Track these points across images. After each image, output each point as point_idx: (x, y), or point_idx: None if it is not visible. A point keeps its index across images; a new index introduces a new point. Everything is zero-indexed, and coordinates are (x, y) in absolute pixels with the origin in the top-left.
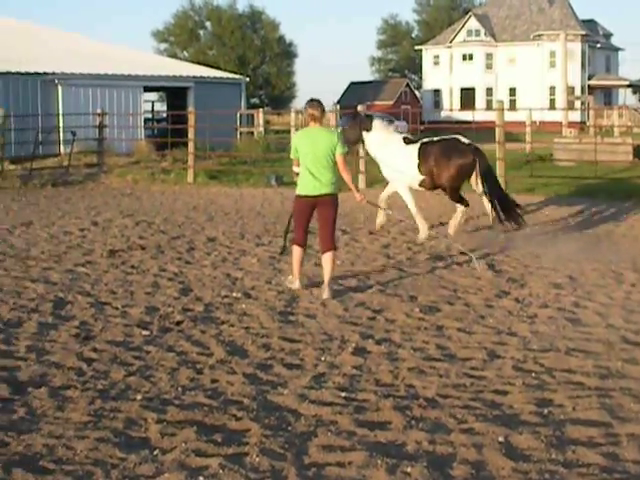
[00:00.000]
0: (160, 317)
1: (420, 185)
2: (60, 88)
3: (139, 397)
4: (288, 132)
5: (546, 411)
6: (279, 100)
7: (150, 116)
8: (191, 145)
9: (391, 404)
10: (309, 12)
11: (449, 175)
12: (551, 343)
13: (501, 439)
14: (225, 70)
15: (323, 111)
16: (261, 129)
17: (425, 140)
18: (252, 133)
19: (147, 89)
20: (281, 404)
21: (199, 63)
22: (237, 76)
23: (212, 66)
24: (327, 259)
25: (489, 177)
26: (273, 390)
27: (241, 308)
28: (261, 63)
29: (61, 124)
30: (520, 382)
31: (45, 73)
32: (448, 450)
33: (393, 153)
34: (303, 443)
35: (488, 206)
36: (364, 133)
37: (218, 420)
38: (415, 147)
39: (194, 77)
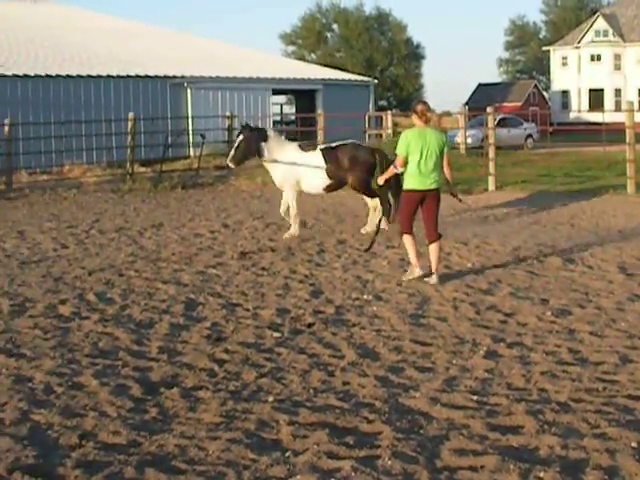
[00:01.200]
0: (291, 319)
1: (325, 189)
2: (189, 91)
3: (271, 399)
4: None
5: None
6: (407, 102)
7: (279, 119)
8: None
9: (523, 408)
10: (436, 14)
11: (361, 174)
12: None
13: (634, 444)
14: (353, 72)
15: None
16: (389, 131)
17: (322, 146)
18: (380, 135)
19: (276, 92)
20: (413, 407)
21: (327, 66)
22: (365, 78)
23: (340, 68)
24: (434, 248)
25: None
26: (405, 393)
27: (372, 310)
28: (389, 65)
29: (190, 127)
30: None
31: (174, 76)
32: (581, 455)
33: (294, 161)
34: (435, 446)
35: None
36: (262, 144)
37: (350, 422)
38: (317, 153)
39: (322, 80)
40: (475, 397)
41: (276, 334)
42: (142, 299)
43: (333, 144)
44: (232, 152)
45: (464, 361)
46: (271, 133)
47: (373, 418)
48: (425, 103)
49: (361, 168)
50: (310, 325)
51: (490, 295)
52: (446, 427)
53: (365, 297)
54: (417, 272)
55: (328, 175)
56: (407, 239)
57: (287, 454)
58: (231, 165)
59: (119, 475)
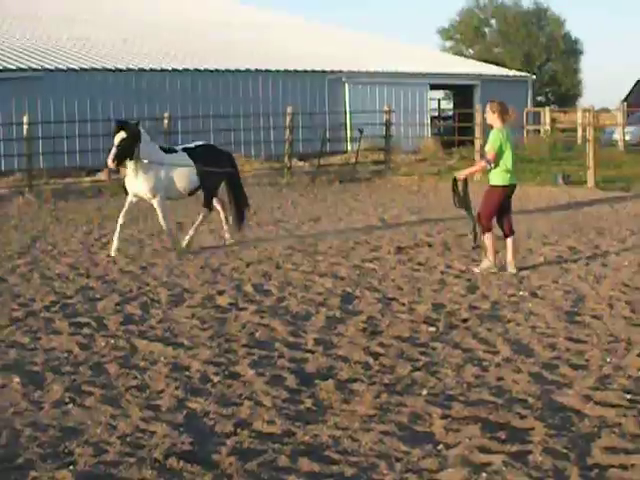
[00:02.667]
0: (447, 314)
1: (190, 193)
2: (347, 86)
3: (424, 392)
4: (574, 130)
5: None
6: (565, 98)
7: (436, 114)
8: (478, 143)
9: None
10: (594, 8)
11: (217, 179)
12: None
13: None
14: (511, 68)
15: None
16: (547, 127)
17: (182, 147)
18: (538, 131)
19: (433, 87)
20: (566, 404)
21: (485, 61)
22: (523, 74)
23: (498, 64)
24: (511, 242)
25: (239, 183)
26: (558, 390)
27: (527, 307)
28: (547, 60)
29: (348, 121)
30: None
31: (332, 71)
32: None
33: (167, 162)
34: (586, 444)
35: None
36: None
37: (502, 418)
38: (183, 154)
39: (480, 75)
40: (629, 396)
41: (431, 329)
42: (299, 291)
43: (190, 145)
44: (114, 150)
45: (618, 360)
46: (144, 133)
47: (526, 414)
48: (502, 103)
49: (218, 174)
50: (465, 320)
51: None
52: (598, 425)
53: (521, 293)
54: (493, 267)
55: (198, 177)
56: (490, 237)
57: (439, 447)
58: (112, 166)
59: (273, 463)
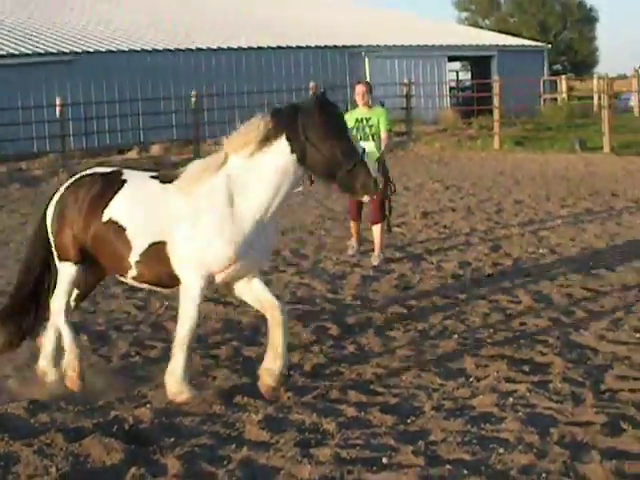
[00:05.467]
0: (472, 270)
1: None
2: (367, 60)
3: (455, 336)
4: (591, 98)
5: None
6: (581, 66)
7: (454, 85)
8: (496, 112)
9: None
10: None
11: None
12: None
13: None
14: (526, 38)
15: None
16: (564, 95)
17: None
18: (555, 100)
19: (451, 59)
20: (581, 342)
21: (500, 31)
22: (539, 44)
23: (514, 34)
24: (376, 231)
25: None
26: (575, 332)
27: (547, 262)
28: (562, 29)
29: None
30: None
31: (352, 46)
32: None
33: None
34: (600, 374)
35: None
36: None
37: (526, 355)
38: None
39: (497, 46)
40: (638, 335)
41: (458, 283)
42: (333, 254)
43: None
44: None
45: (630, 305)
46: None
47: (546, 351)
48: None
49: None
50: (489, 275)
51: None
52: (610, 359)
53: (540, 251)
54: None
55: None
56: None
57: (471, 380)
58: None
59: (326, 396)
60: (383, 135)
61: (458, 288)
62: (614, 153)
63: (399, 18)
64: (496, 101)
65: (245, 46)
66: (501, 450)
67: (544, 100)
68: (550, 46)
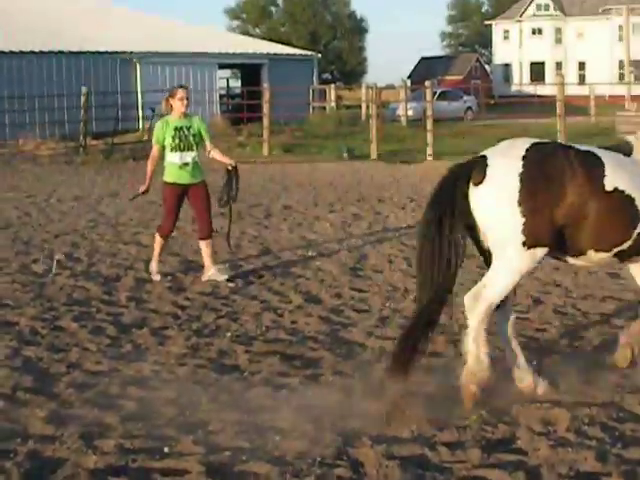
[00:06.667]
0: (244, 272)
1: None
2: (138, 66)
3: (229, 334)
4: (359, 107)
5: (577, 344)
6: (350, 75)
7: (225, 92)
8: (266, 120)
9: (444, 338)
10: None
11: None
12: (589, 292)
13: (535, 363)
14: (297, 47)
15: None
16: (333, 104)
17: None
18: (324, 108)
19: (222, 66)
20: (350, 339)
21: (271, 40)
22: (309, 52)
23: (284, 43)
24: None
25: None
26: (344, 329)
27: (316, 265)
28: (332, 39)
29: (140, 101)
30: (558, 322)
31: (124, 52)
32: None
33: None
34: (369, 367)
35: None
36: None
37: (297, 351)
38: None
39: (267, 54)
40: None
41: (231, 284)
42: (107, 257)
43: None
44: None
45: (396, 304)
46: None
47: (317, 347)
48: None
49: None
50: (261, 277)
51: None
52: (378, 353)
53: (309, 253)
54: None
55: None
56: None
57: (245, 374)
58: None
59: (106, 392)
60: (209, 145)
61: (231, 289)
62: (381, 161)
63: (172, 25)
64: (265, 109)
65: (17, 50)
66: (277, 438)
67: (313, 108)
68: (320, 55)
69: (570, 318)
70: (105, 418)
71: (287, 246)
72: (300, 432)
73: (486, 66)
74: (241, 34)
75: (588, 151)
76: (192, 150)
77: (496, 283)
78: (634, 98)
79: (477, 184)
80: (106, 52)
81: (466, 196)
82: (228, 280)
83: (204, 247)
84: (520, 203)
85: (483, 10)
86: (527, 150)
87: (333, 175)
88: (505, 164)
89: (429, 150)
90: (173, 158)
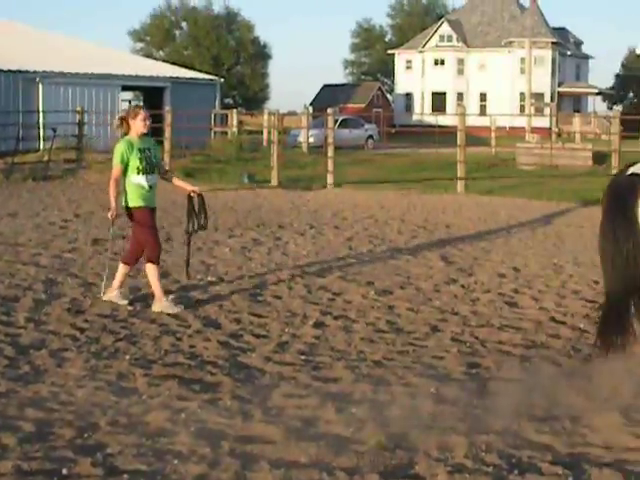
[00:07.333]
0: (142, 296)
1: None
2: (41, 86)
3: (127, 357)
4: (261, 133)
5: (474, 371)
6: (252, 101)
7: None
8: (167, 143)
9: (343, 364)
10: (284, 14)
11: None
12: (487, 321)
13: (433, 390)
14: (200, 70)
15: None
16: (234, 129)
17: None
18: (226, 133)
19: (125, 88)
20: (249, 364)
21: (174, 63)
22: (212, 77)
23: (187, 66)
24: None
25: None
26: (243, 354)
27: (215, 289)
28: (236, 64)
29: (41, 121)
30: (455, 350)
31: (27, 71)
32: (387, 398)
33: None
34: (268, 392)
35: None
36: None
37: (196, 375)
38: None
39: (170, 77)
40: (303, 357)
41: (130, 307)
42: (5, 278)
43: None
44: None
45: (295, 330)
46: None
47: (216, 372)
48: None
49: None
50: (197, 301)
51: (321, 278)
52: (277, 378)
53: (209, 278)
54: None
55: None
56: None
57: (143, 397)
58: None
59: (4, 413)
60: (166, 169)
61: (129, 312)
62: (282, 187)
63: (75, 45)
64: (167, 132)
65: None
66: (175, 461)
67: (215, 133)
68: (223, 80)
69: (468, 346)
70: (2, 439)
71: (184, 270)
72: (198, 456)
73: (388, 95)
74: (145, 56)
75: None
76: (154, 173)
77: None
78: (534, 130)
79: None
80: (9, 70)
81: None
82: (129, 303)
83: (152, 271)
84: None
85: (386, 39)
86: None
87: (234, 200)
88: None
89: (329, 177)
90: (140, 180)
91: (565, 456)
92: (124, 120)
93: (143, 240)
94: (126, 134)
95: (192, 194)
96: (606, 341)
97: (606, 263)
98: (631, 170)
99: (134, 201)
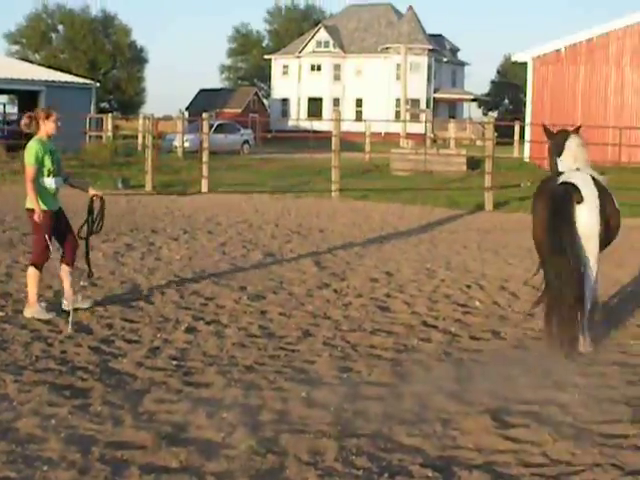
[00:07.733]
0: (13, 302)
1: None
2: None
3: None
4: (136, 137)
5: (345, 375)
6: (128, 105)
7: (0, 118)
8: None
9: (214, 369)
10: (161, 18)
11: None
12: (359, 325)
13: (304, 394)
14: (76, 74)
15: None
16: (109, 133)
17: None
18: (101, 137)
19: None
20: (120, 369)
21: (50, 66)
22: (88, 81)
23: (63, 70)
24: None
25: None
26: (114, 359)
27: (87, 295)
28: (112, 68)
29: None
30: (327, 354)
31: None
32: (259, 402)
33: None
34: (139, 397)
35: None
36: None
37: (67, 381)
38: None
39: (45, 81)
40: (175, 362)
41: (0, 313)
42: None
43: None
44: None
45: (167, 335)
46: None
47: (87, 377)
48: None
49: None
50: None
51: (194, 282)
52: (148, 384)
53: (82, 284)
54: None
55: None
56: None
57: (14, 404)
58: None
59: None
60: (66, 172)
61: (0, 318)
62: (156, 192)
63: None
64: None
65: None
66: (45, 467)
67: (90, 137)
68: (99, 84)
69: (340, 350)
70: None
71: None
72: (68, 462)
73: (264, 100)
74: (20, 59)
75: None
76: (60, 175)
77: None
78: (409, 136)
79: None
80: None
81: None
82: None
83: (67, 273)
84: None
85: (264, 44)
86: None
87: (108, 204)
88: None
89: (204, 182)
90: (50, 183)
91: (435, 459)
92: (34, 119)
93: (35, 242)
94: (34, 134)
95: (95, 198)
96: (555, 333)
97: (551, 264)
98: (562, 179)
99: (38, 203)
